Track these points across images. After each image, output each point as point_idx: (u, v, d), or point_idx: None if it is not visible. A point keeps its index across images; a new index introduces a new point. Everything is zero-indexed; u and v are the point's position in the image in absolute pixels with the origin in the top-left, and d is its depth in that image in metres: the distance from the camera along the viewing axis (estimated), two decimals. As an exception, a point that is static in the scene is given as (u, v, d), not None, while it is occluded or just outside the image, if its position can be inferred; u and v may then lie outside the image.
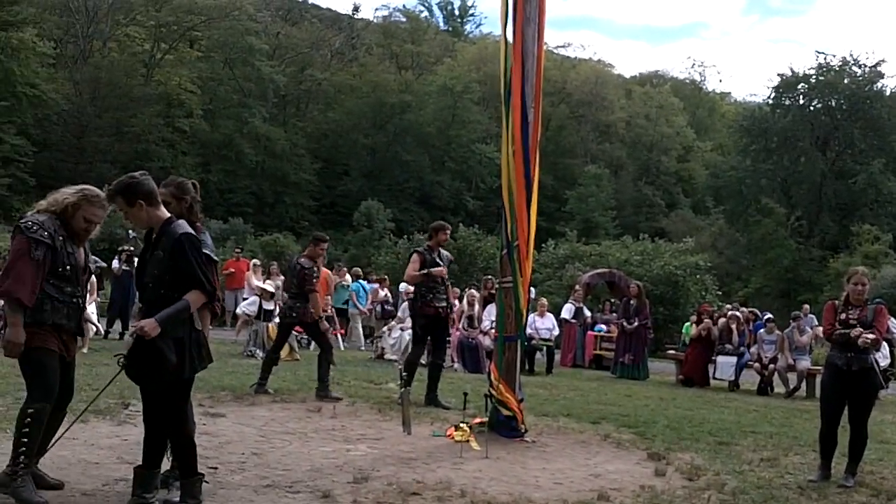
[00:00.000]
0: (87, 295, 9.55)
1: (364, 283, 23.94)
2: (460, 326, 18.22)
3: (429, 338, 12.19)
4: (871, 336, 8.03)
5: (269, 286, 18.37)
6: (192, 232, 5.84)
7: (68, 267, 6.06)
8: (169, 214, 5.90)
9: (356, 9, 74.60)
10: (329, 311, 20.40)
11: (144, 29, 53.19)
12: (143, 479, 5.79)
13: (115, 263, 19.78)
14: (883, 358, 16.26)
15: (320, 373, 11.75)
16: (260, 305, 17.52)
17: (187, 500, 5.82)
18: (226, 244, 34.49)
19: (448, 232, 12.12)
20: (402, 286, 21.49)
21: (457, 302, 18.45)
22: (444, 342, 12.79)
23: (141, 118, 51.10)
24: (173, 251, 5.66)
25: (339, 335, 21.82)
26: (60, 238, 6.01)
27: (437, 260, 11.81)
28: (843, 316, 8.49)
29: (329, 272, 22.52)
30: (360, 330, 22.83)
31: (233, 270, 24.03)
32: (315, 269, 12.41)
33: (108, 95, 52.03)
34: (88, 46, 54.89)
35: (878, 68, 55.93)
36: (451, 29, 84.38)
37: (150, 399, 5.80)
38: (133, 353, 5.67)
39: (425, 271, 11.67)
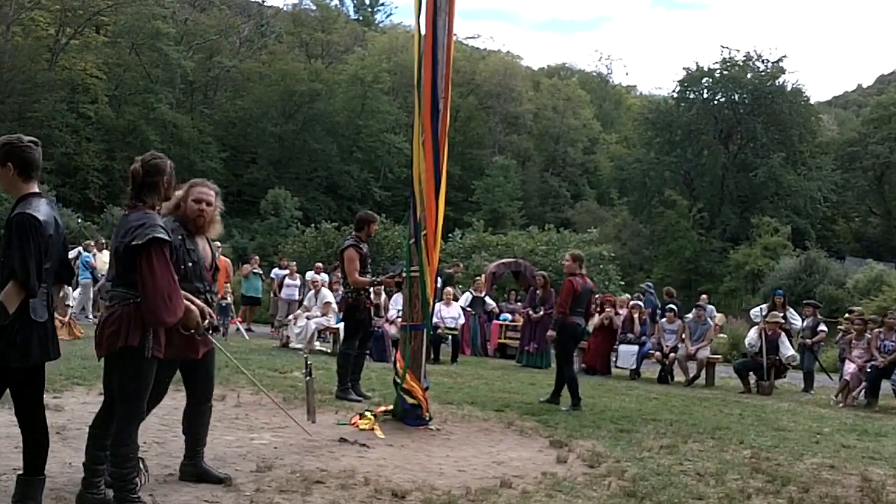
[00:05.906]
0: None
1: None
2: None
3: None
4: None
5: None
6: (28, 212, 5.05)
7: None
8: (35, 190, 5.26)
9: (266, -4, 74.03)
10: (229, 298, 20.28)
11: (49, 13, 51.76)
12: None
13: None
14: (786, 349, 16.69)
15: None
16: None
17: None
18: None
19: (377, 223, 12.03)
20: (309, 275, 21.38)
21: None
22: (371, 333, 12.85)
23: (44, 104, 49.89)
24: None
25: (237, 323, 21.66)
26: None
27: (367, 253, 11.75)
28: None
29: (228, 260, 22.42)
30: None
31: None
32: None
33: (11, 80, 50.64)
34: (-9, 31, 53.36)
35: (780, 63, 57.37)
36: (361, 18, 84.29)
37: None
38: None
39: (377, 280, 12.11)
